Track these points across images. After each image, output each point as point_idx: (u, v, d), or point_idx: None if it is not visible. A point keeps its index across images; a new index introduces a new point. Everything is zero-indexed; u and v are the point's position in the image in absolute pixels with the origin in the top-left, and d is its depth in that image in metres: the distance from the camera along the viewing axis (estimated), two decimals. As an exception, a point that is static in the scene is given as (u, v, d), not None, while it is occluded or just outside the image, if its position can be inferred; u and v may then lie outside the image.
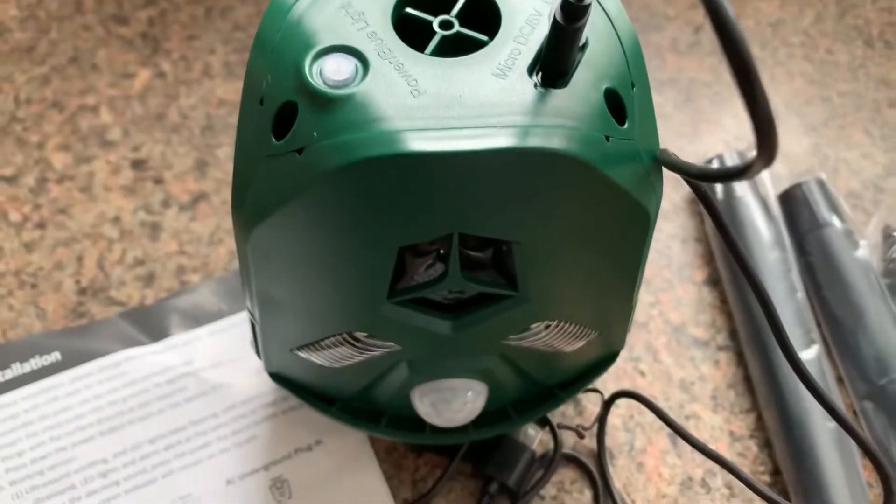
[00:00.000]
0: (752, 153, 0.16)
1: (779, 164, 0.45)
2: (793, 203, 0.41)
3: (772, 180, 0.44)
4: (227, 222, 0.42)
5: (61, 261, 0.41)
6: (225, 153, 0.44)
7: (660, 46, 0.49)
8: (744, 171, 0.17)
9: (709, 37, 0.50)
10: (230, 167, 0.44)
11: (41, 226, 0.42)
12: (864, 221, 0.43)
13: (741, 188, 0.41)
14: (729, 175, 0.18)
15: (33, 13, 0.49)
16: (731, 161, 0.42)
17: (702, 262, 0.42)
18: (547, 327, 0.28)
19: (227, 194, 0.43)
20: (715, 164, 0.42)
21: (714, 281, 0.41)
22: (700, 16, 0.51)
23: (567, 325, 0.28)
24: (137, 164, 0.44)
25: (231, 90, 0.47)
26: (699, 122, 0.47)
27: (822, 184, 0.42)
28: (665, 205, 0.43)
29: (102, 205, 0.43)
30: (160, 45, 0.48)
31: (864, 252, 0.39)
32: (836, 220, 0.40)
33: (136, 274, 0.41)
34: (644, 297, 0.41)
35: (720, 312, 0.41)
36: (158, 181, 0.43)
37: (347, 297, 0.26)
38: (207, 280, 0.40)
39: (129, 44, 0.48)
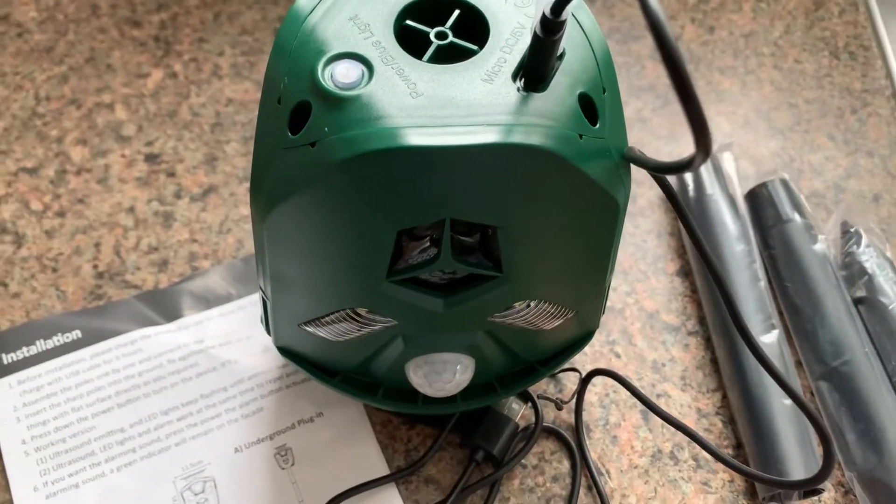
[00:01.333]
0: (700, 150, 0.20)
1: (747, 165, 0.49)
2: (758, 200, 0.45)
3: (739, 180, 0.47)
4: (236, 213, 0.45)
5: (80, 247, 0.44)
6: (233, 148, 0.48)
7: (640, 54, 0.53)
8: (688, 165, 0.21)
9: (686, 47, 0.53)
10: (238, 162, 0.47)
11: (61, 214, 0.45)
12: (824, 219, 0.47)
13: (711, 187, 0.44)
14: (678, 167, 0.22)
15: (52, 15, 0.52)
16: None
17: (674, 255, 0.45)
18: (528, 306, 0.31)
19: (235, 187, 0.46)
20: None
21: (686, 272, 0.45)
22: (677, 27, 0.54)
23: (546, 305, 0.32)
24: (151, 158, 0.47)
25: (239, 90, 0.50)
26: (676, 125, 0.50)
27: (785, 183, 0.45)
28: (642, 202, 0.47)
29: (118, 195, 0.46)
30: (172, 47, 0.51)
31: (823, 246, 0.43)
32: (797, 217, 0.44)
33: (151, 259, 0.44)
34: (621, 286, 0.44)
35: (690, 301, 0.44)
36: (171, 174, 0.47)
37: (351, 275, 0.29)
38: (217, 266, 0.43)
39: (142, 45, 0.51)
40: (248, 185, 0.47)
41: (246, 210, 0.46)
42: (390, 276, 0.29)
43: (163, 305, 0.42)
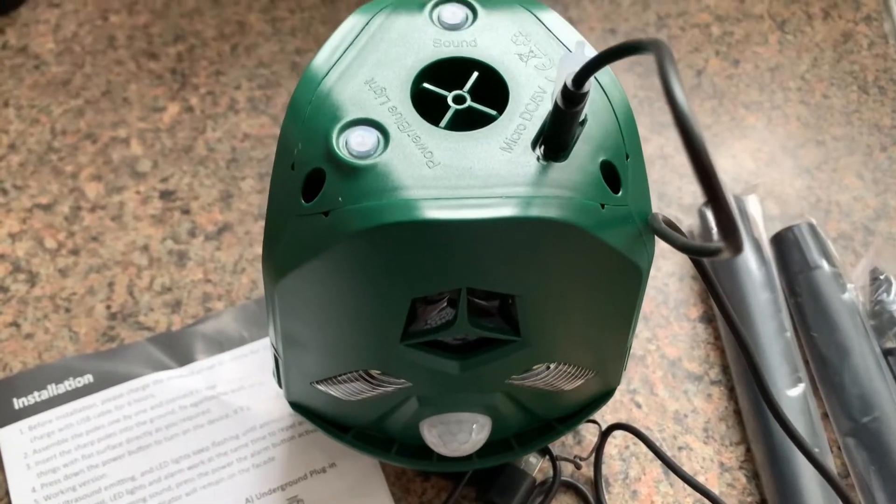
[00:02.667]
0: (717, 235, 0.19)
1: (772, 205, 0.47)
2: (784, 245, 0.44)
3: (764, 222, 0.46)
4: (250, 252, 0.45)
5: (93, 286, 0.44)
6: (249, 185, 0.47)
7: (662, 89, 0.52)
8: (715, 253, 0.20)
9: (709, 80, 0.52)
10: (253, 199, 0.47)
11: (75, 252, 0.45)
12: (853, 262, 0.45)
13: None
14: (704, 252, 0.21)
15: (69, 47, 0.52)
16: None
17: (697, 299, 0.44)
18: (547, 368, 0.31)
19: (250, 225, 0.46)
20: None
21: (709, 318, 0.44)
22: (701, 60, 0.53)
23: (566, 367, 0.31)
24: (166, 195, 0.47)
25: (255, 125, 0.49)
26: (698, 163, 0.49)
27: (812, 228, 0.44)
28: (663, 245, 0.46)
29: (132, 233, 0.45)
30: (188, 80, 0.51)
31: (851, 295, 0.42)
32: (825, 264, 0.42)
33: (164, 300, 0.43)
34: (642, 332, 0.43)
35: (713, 348, 0.43)
36: (186, 211, 0.46)
37: (364, 339, 0.28)
38: (230, 307, 0.43)
39: (158, 78, 0.51)
40: (262, 223, 0.46)
41: (260, 249, 0.45)
42: (404, 340, 0.28)
43: (175, 349, 0.41)
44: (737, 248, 0.18)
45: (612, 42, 0.54)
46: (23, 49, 0.52)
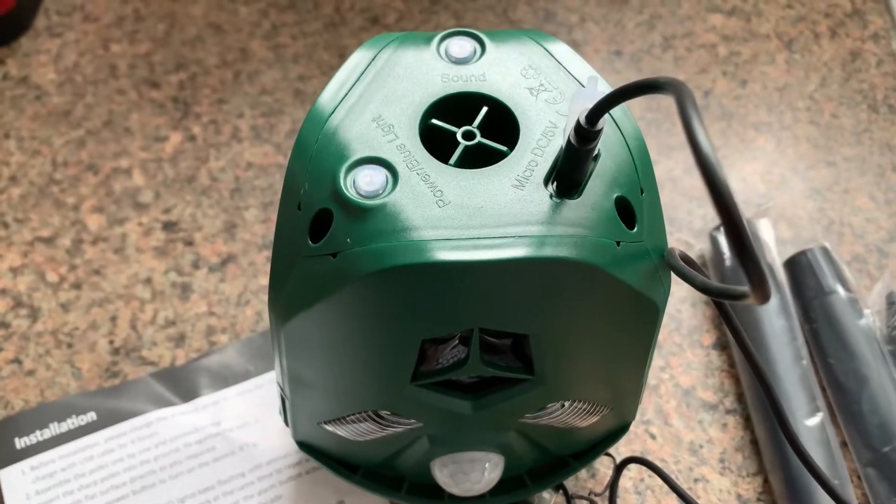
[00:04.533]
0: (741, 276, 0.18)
1: (784, 228, 0.47)
2: (798, 270, 0.43)
3: (777, 246, 0.45)
4: (255, 283, 0.44)
5: (96, 321, 0.43)
6: (252, 215, 0.46)
7: (669, 110, 0.51)
8: (739, 298, 0.19)
9: (717, 102, 0.52)
10: (257, 229, 0.46)
11: (77, 286, 0.44)
12: (867, 286, 0.45)
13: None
14: (725, 295, 0.20)
15: (70, 77, 0.51)
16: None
17: (710, 325, 0.43)
18: (562, 406, 0.30)
19: (254, 255, 0.45)
20: (723, 231, 0.44)
21: (722, 345, 0.43)
22: (708, 80, 0.53)
23: (581, 404, 0.30)
24: (168, 226, 0.46)
25: (258, 153, 0.49)
26: (708, 186, 0.48)
27: (826, 251, 0.43)
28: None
29: (135, 266, 0.45)
30: (191, 109, 0.50)
31: (868, 320, 0.41)
32: (840, 288, 0.42)
33: (168, 334, 0.42)
34: (655, 361, 0.42)
35: (728, 376, 0.42)
36: (189, 243, 0.45)
37: (373, 380, 0.28)
38: (235, 340, 0.42)
39: (160, 107, 0.50)
40: (267, 253, 0.45)
41: (265, 280, 0.45)
42: (415, 380, 0.28)
43: (179, 384, 0.41)
44: (764, 297, 0.18)
45: (619, 64, 0.53)
46: (24, 80, 0.51)
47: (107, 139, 0.49)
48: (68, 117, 0.50)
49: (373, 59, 0.27)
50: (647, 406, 0.41)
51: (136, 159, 0.48)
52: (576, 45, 0.54)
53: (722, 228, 0.44)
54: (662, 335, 0.43)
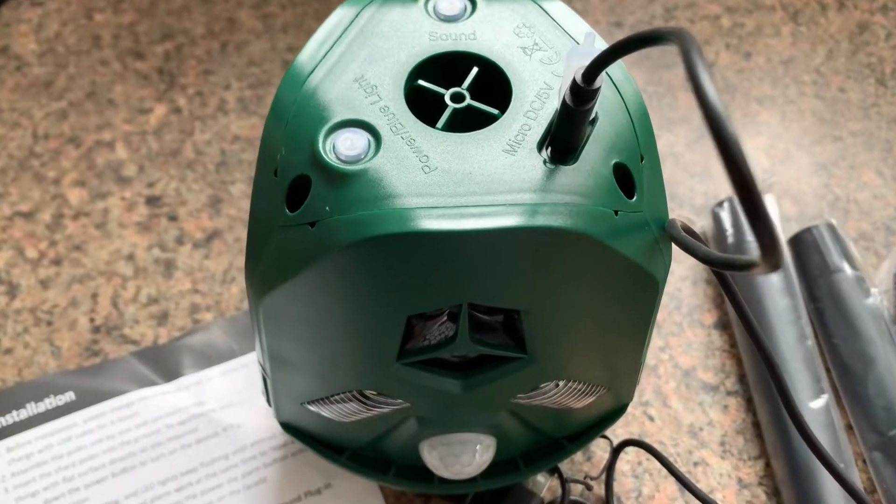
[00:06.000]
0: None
1: (788, 204, 0.45)
2: (803, 247, 0.41)
3: (781, 222, 0.44)
4: (240, 260, 0.43)
5: (76, 298, 0.41)
6: (239, 190, 0.45)
7: (671, 84, 0.50)
8: (746, 268, 0.17)
9: (721, 74, 0.50)
10: (244, 204, 0.44)
11: (57, 262, 0.43)
12: (874, 264, 0.43)
13: (751, 233, 0.41)
14: (731, 265, 0.18)
15: (52, 47, 0.50)
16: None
17: (711, 305, 0.42)
18: (556, 386, 0.28)
19: (239, 231, 0.44)
20: (726, 207, 0.43)
21: (724, 325, 0.41)
22: (711, 53, 0.51)
23: (576, 384, 0.29)
24: (152, 201, 0.44)
25: (245, 126, 0.47)
26: (711, 161, 0.47)
27: (832, 228, 0.42)
28: (675, 248, 0.43)
29: (117, 241, 0.43)
30: (176, 80, 0.49)
31: (875, 300, 0.39)
32: (846, 266, 0.40)
33: (150, 312, 0.41)
34: (654, 340, 0.41)
35: (729, 357, 0.41)
36: (173, 218, 0.44)
37: (357, 358, 0.26)
38: (220, 319, 0.41)
39: (145, 79, 0.49)
40: (254, 229, 0.44)
41: (252, 257, 0.43)
42: (401, 358, 0.26)
43: (162, 363, 0.39)
44: (775, 265, 0.16)
45: (619, 36, 0.51)
46: (3, 50, 0.50)
47: (89, 111, 0.47)
48: (49, 89, 0.48)
49: (355, 17, 0.25)
50: (646, 387, 0.40)
51: (119, 132, 0.47)
52: (575, 16, 0.52)
53: (724, 205, 0.42)
54: (662, 314, 0.42)
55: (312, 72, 0.24)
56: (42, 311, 0.41)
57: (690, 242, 0.22)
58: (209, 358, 0.39)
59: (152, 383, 0.39)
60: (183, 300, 0.41)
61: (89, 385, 0.38)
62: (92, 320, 0.41)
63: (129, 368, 0.39)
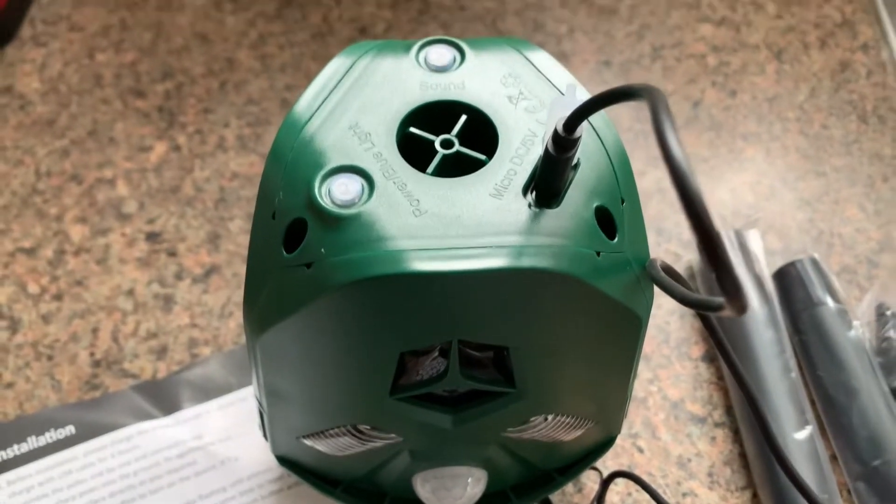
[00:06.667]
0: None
1: (774, 239, 0.46)
2: (787, 281, 0.43)
3: (766, 257, 0.45)
4: (238, 295, 0.44)
5: (77, 333, 0.42)
6: (237, 226, 0.46)
7: (656, 141, 0.51)
8: (717, 310, 0.18)
9: (706, 112, 0.51)
10: (242, 240, 0.45)
11: (58, 297, 0.43)
12: (857, 297, 0.44)
13: (737, 267, 0.42)
14: (705, 306, 0.19)
15: (55, 86, 0.51)
16: (728, 240, 0.43)
17: (698, 337, 0.43)
18: (545, 419, 0.29)
19: (238, 266, 0.45)
20: (696, 240, 0.44)
21: (711, 357, 0.42)
22: (697, 91, 0.52)
23: (564, 418, 0.29)
24: (152, 237, 0.46)
25: (244, 163, 0.48)
26: (697, 197, 0.48)
27: (815, 263, 0.43)
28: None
29: (117, 277, 0.44)
30: (176, 119, 0.50)
31: (858, 332, 0.40)
32: (829, 300, 0.41)
33: (149, 346, 0.42)
34: (643, 373, 0.42)
35: (717, 388, 0.41)
36: (172, 254, 0.45)
37: (351, 394, 0.27)
38: (218, 353, 0.42)
39: (145, 117, 0.50)
40: (251, 264, 0.45)
41: (249, 291, 0.44)
42: (394, 394, 0.27)
43: (160, 397, 0.40)
44: (741, 308, 0.17)
45: (607, 75, 0.53)
46: (7, 89, 0.51)
47: (91, 149, 0.49)
48: (52, 127, 0.49)
49: (350, 67, 0.27)
50: (635, 419, 0.40)
51: (120, 169, 0.48)
52: (564, 56, 0.54)
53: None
54: (650, 347, 0.43)
55: (309, 120, 0.25)
56: (43, 346, 0.42)
57: (668, 283, 0.23)
58: (207, 392, 0.40)
59: (151, 417, 0.39)
60: (181, 335, 0.42)
61: (89, 419, 0.39)
62: (92, 354, 0.42)
63: (129, 402, 0.40)
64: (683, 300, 0.21)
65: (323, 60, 0.53)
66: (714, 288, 0.42)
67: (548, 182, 0.23)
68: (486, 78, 0.27)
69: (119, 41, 0.53)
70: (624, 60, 0.53)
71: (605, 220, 0.25)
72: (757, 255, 0.43)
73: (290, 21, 0.54)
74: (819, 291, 0.42)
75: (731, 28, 0.55)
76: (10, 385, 0.41)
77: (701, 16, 0.56)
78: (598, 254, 0.24)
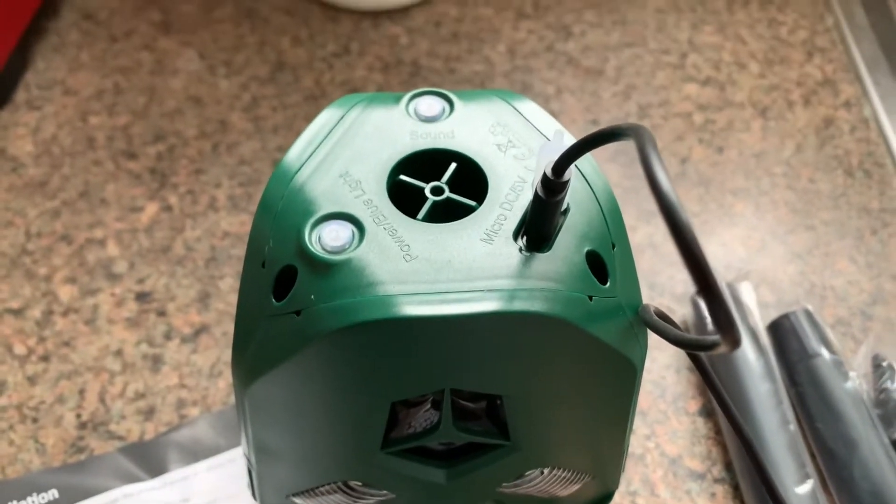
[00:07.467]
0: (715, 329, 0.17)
1: (766, 292, 0.46)
2: (781, 333, 0.42)
3: (759, 309, 0.45)
4: (227, 354, 0.43)
5: (63, 394, 0.42)
6: (227, 284, 0.46)
7: (644, 176, 0.51)
8: (711, 348, 0.18)
9: (694, 168, 0.52)
10: (232, 298, 0.45)
11: (45, 358, 0.43)
12: (852, 349, 0.44)
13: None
14: (699, 346, 0.19)
15: (48, 149, 0.51)
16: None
17: (695, 391, 0.42)
18: (541, 474, 0.29)
19: (227, 325, 0.44)
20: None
21: (708, 412, 0.42)
22: (685, 148, 0.53)
23: (560, 472, 0.29)
24: (141, 297, 0.45)
25: (235, 222, 0.48)
26: (688, 251, 0.48)
27: (809, 314, 0.43)
28: (657, 336, 0.44)
29: (106, 337, 0.44)
30: (168, 179, 0.50)
31: (854, 383, 0.40)
32: (824, 351, 0.41)
33: (137, 407, 0.41)
34: (640, 428, 0.41)
35: (715, 444, 0.41)
36: (161, 313, 0.44)
37: (341, 447, 0.26)
38: (206, 413, 0.41)
39: (137, 178, 0.50)
40: (242, 323, 0.44)
41: (239, 350, 0.44)
42: (385, 447, 0.26)
43: (147, 459, 0.39)
44: (734, 342, 0.17)
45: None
46: (1, 152, 0.51)
47: (82, 210, 0.49)
48: (44, 188, 0.50)
49: (341, 119, 0.27)
50: (633, 476, 0.40)
51: (110, 230, 0.48)
52: (553, 115, 0.54)
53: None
54: (647, 402, 0.42)
55: (300, 169, 0.25)
56: (28, 408, 0.41)
57: (662, 326, 0.22)
58: (195, 453, 0.39)
59: (137, 479, 0.38)
60: (170, 395, 0.42)
61: (73, 482, 0.38)
62: (78, 416, 0.41)
63: (115, 465, 0.39)
64: (678, 342, 0.21)
65: (315, 121, 0.53)
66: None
67: (538, 226, 0.23)
68: (475, 127, 0.27)
69: (112, 104, 0.54)
70: (611, 119, 0.54)
71: (597, 265, 0.25)
72: (750, 307, 0.43)
73: (283, 84, 0.55)
74: (814, 343, 0.41)
75: (715, 87, 0.56)
76: (-8, 449, 0.40)
77: (685, 76, 0.57)
78: (591, 298, 0.24)
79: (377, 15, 0.59)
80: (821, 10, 0.61)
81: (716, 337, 0.18)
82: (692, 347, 0.20)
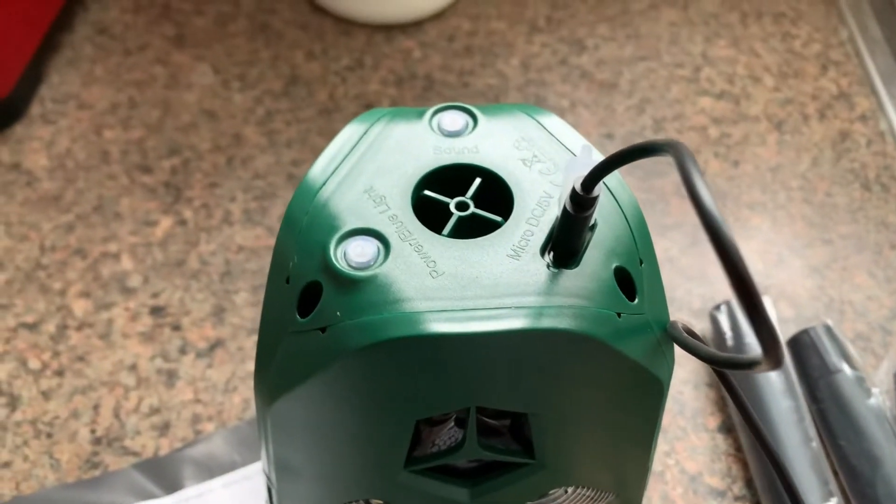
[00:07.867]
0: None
1: (785, 307, 0.46)
2: (801, 349, 0.42)
3: (779, 324, 0.44)
4: (242, 369, 0.43)
5: (78, 409, 0.41)
6: (242, 299, 0.45)
7: (664, 191, 0.51)
8: (750, 366, 0.18)
9: (712, 182, 0.52)
10: (247, 313, 0.45)
11: (59, 373, 0.43)
12: (873, 364, 0.43)
13: (750, 335, 0.42)
14: (734, 364, 0.19)
15: (62, 163, 0.51)
16: (739, 308, 0.43)
17: (714, 408, 0.42)
18: (565, 492, 0.28)
19: (242, 340, 0.44)
20: (723, 310, 0.43)
21: (728, 428, 0.41)
22: (701, 161, 0.53)
23: (584, 490, 0.28)
24: (156, 311, 0.45)
25: (250, 237, 0.48)
26: (706, 266, 0.48)
27: (829, 329, 0.42)
28: (676, 351, 0.44)
29: (120, 352, 0.43)
30: (182, 193, 0.50)
31: (877, 399, 0.40)
32: (846, 367, 0.40)
33: (152, 423, 0.41)
34: (660, 445, 0.41)
35: (735, 461, 0.40)
36: (176, 328, 0.44)
37: (364, 465, 0.26)
38: (221, 429, 0.40)
39: (151, 192, 0.50)
40: (255, 338, 0.44)
41: (253, 365, 0.43)
42: (408, 466, 0.26)
43: (162, 476, 0.39)
44: (777, 361, 0.17)
45: (610, 147, 0.53)
46: (15, 166, 0.51)
47: (96, 224, 0.49)
48: (58, 202, 0.50)
49: (364, 133, 0.27)
50: (653, 494, 0.39)
51: (125, 244, 0.48)
52: (567, 129, 0.54)
53: (721, 307, 0.43)
54: (666, 419, 0.42)
55: (324, 185, 0.25)
56: (42, 423, 0.41)
57: (693, 343, 0.22)
58: (210, 469, 0.39)
59: (152, 496, 0.38)
60: (185, 410, 0.41)
61: (87, 499, 0.38)
62: (93, 431, 0.41)
63: (129, 481, 0.38)
64: (710, 359, 0.20)
65: (329, 136, 0.53)
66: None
67: (566, 242, 0.23)
68: (499, 142, 0.27)
69: (127, 118, 0.54)
70: (626, 133, 0.54)
71: (625, 281, 0.24)
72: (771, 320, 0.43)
73: (297, 98, 0.55)
74: (835, 359, 0.41)
75: (730, 101, 0.56)
76: (6, 464, 0.39)
77: (700, 89, 0.57)
78: (619, 315, 0.24)
79: (390, 29, 0.59)
80: (834, 24, 0.61)
81: (755, 355, 0.18)
82: (728, 366, 0.19)
